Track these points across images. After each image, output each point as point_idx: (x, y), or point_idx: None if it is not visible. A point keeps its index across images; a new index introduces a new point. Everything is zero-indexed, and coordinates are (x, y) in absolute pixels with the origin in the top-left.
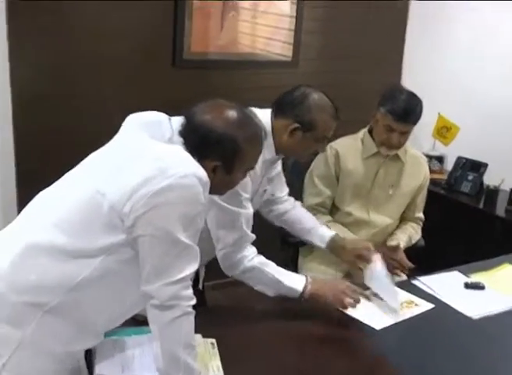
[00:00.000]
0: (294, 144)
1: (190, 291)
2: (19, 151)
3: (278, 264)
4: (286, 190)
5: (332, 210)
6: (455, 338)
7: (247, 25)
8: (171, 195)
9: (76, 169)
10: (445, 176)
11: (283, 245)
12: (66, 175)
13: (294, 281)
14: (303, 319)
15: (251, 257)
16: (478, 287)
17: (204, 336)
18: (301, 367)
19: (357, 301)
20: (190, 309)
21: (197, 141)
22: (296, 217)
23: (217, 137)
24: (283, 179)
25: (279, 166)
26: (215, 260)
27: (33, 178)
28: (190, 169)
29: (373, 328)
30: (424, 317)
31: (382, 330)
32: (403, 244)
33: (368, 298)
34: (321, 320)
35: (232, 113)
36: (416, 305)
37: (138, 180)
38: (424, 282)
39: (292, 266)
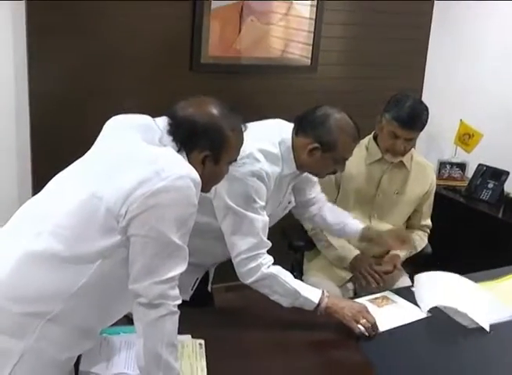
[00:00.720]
0: (313, 163)
1: (177, 291)
2: (35, 151)
3: (284, 268)
4: (317, 190)
5: None
6: (448, 347)
7: (265, 29)
8: (166, 197)
9: (68, 174)
10: (466, 184)
11: (290, 249)
12: (56, 179)
13: (311, 293)
14: (295, 326)
15: (268, 265)
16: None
17: (194, 336)
18: (278, 372)
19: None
20: (176, 309)
21: (184, 135)
22: (325, 219)
23: (203, 127)
24: (313, 180)
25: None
26: (229, 262)
27: (49, 179)
28: (184, 171)
29: (364, 335)
30: (420, 324)
31: (371, 336)
32: (403, 253)
33: None
34: (311, 327)
35: (213, 106)
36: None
37: (133, 182)
38: None
39: (297, 270)
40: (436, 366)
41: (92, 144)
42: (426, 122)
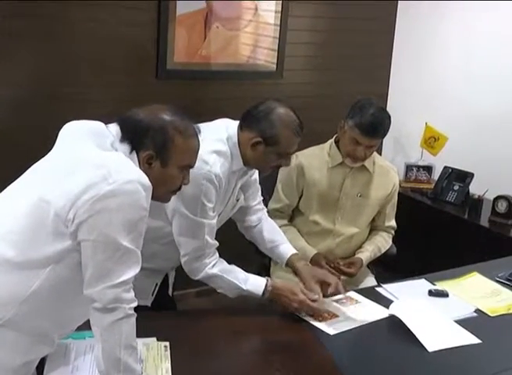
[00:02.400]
0: (256, 158)
1: (132, 294)
2: None
3: (253, 271)
4: (259, 199)
5: (297, 217)
6: (410, 345)
7: (230, 35)
8: (113, 201)
9: (20, 180)
10: (432, 186)
11: (256, 253)
12: (9, 187)
13: (254, 286)
14: (258, 327)
15: (212, 264)
16: (441, 294)
17: (159, 339)
18: (245, 372)
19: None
20: (132, 312)
21: (130, 134)
22: (261, 233)
23: (146, 125)
24: (258, 187)
25: (255, 174)
26: None
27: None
28: (132, 175)
29: (327, 334)
30: (381, 324)
31: (335, 335)
32: (367, 255)
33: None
34: (275, 328)
35: (162, 110)
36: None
37: (81, 186)
38: (388, 289)
39: (264, 274)
40: (398, 365)
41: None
42: (388, 130)
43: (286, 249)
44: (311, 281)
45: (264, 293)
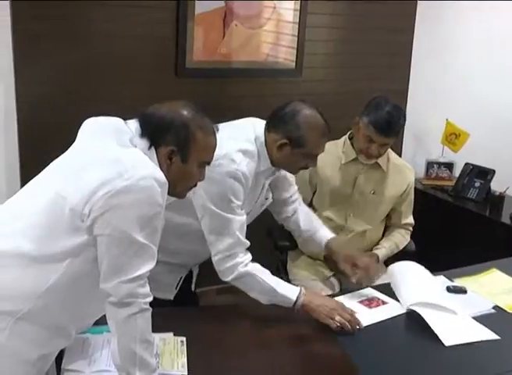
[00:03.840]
0: (283, 159)
1: (147, 289)
2: (23, 152)
3: (269, 268)
4: (293, 191)
5: None
6: (427, 342)
7: (249, 34)
8: (128, 197)
9: (39, 176)
10: (453, 183)
11: (275, 250)
12: (30, 182)
13: (288, 291)
14: (275, 324)
15: (245, 263)
16: (460, 291)
17: (177, 334)
18: (261, 368)
19: (351, 323)
20: (147, 306)
21: (151, 130)
22: (298, 224)
23: (169, 121)
24: (289, 179)
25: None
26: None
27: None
28: (147, 171)
29: (342, 330)
30: (398, 320)
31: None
32: (384, 252)
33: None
34: (291, 324)
35: (183, 106)
36: (384, 302)
37: (97, 182)
38: None
39: (282, 269)
40: (414, 361)
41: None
42: (403, 128)
43: (322, 235)
44: (343, 262)
45: (297, 299)
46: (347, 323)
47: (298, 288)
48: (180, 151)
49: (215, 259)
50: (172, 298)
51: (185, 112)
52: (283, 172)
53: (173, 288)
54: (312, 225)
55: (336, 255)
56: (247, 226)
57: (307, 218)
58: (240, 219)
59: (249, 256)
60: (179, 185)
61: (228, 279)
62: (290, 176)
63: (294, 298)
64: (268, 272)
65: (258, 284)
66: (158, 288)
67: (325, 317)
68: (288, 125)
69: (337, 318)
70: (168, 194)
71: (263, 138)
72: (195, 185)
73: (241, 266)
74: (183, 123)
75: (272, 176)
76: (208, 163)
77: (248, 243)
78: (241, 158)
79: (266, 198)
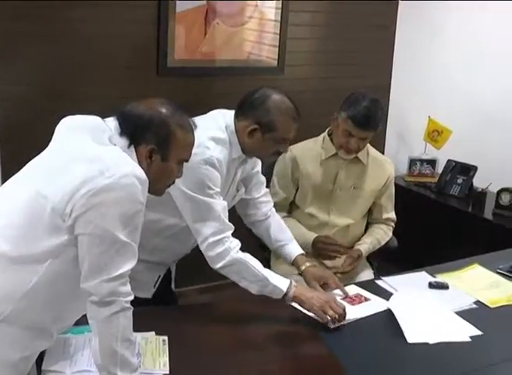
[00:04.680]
0: (254, 145)
1: (128, 288)
2: (4, 152)
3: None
4: (264, 191)
5: (294, 211)
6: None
7: (230, 32)
8: (110, 195)
9: (18, 175)
10: (436, 180)
11: (259, 247)
12: (8, 181)
13: (279, 281)
14: (257, 322)
15: (237, 249)
16: (441, 286)
17: (158, 333)
18: (244, 367)
19: (340, 317)
20: (128, 305)
21: (131, 129)
22: (268, 231)
23: (148, 119)
24: (261, 179)
25: (257, 167)
26: (202, 264)
27: None
28: (128, 169)
29: (327, 326)
30: (379, 317)
31: (335, 328)
32: (366, 248)
33: None
34: (273, 321)
35: (161, 103)
36: (366, 299)
37: (78, 181)
38: (388, 282)
39: (266, 267)
40: (397, 357)
41: None
42: (381, 122)
43: (293, 249)
44: (313, 282)
45: (288, 290)
46: (337, 318)
47: (288, 280)
48: (160, 149)
49: (203, 246)
50: (150, 296)
51: (164, 110)
52: (256, 169)
53: (151, 287)
54: (283, 236)
55: (304, 274)
56: (232, 222)
57: (279, 228)
58: (222, 203)
59: (238, 242)
60: (158, 183)
61: (218, 265)
62: (262, 177)
63: (285, 289)
64: (258, 262)
65: (250, 273)
66: (136, 287)
67: (318, 310)
68: (258, 110)
69: (330, 312)
70: (149, 192)
71: (233, 126)
72: (173, 182)
73: (233, 251)
74: (162, 121)
75: (244, 165)
76: (187, 160)
77: (233, 227)
78: (214, 145)
79: (238, 190)
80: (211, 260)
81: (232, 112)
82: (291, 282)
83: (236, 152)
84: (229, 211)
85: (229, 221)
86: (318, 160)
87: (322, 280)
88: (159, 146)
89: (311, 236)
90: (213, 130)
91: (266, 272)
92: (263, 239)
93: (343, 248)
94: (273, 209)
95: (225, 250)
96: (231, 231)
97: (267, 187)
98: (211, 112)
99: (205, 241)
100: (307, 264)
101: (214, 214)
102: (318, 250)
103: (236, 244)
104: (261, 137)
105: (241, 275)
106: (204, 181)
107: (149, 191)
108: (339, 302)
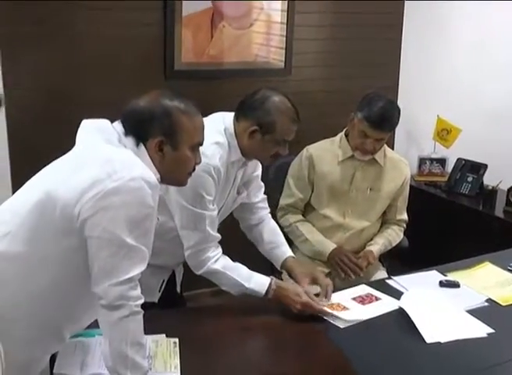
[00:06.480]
0: (254, 147)
1: (138, 291)
2: (13, 155)
3: (262, 267)
4: (261, 197)
5: (309, 212)
6: (417, 338)
7: (237, 35)
8: (117, 198)
9: (33, 178)
10: (446, 179)
11: None
12: (25, 185)
13: (257, 285)
14: (267, 324)
15: (215, 259)
16: (452, 285)
17: (169, 335)
18: (255, 369)
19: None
20: (138, 309)
21: (134, 126)
22: (261, 234)
23: (149, 112)
24: (261, 184)
25: (257, 171)
26: None
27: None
28: (137, 172)
29: (337, 326)
30: (392, 315)
31: (345, 328)
32: (377, 248)
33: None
34: (281, 323)
35: (160, 94)
36: (377, 299)
37: (87, 182)
38: (399, 281)
39: (275, 268)
40: (409, 356)
41: (66, 148)
42: (397, 123)
43: (284, 251)
44: (303, 278)
45: (267, 292)
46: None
47: (268, 281)
48: (169, 140)
49: (186, 254)
50: (155, 300)
51: (163, 100)
52: (256, 173)
53: (156, 291)
54: (275, 239)
55: (294, 271)
56: (237, 227)
57: (273, 232)
58: (211, 215)
59: (219, 251)
60: (177, 173)
61: (199, 272)
62: (261, 183)
63: (263, 292)
64: (238, 266)
65: (228, 281)
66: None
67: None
68: (258, 111)
69: (298, 306)
70: (170, 184)
71: (232, 129)
72: (194, 169)
73: (211, 262)
74: (164, 111)
75: (244, 168)
76: (201, 144)
77: (219, 236)
78: (212, 151)
79: (238, 193)
80: (192, 267)
81: (232, 114)
82: (270, 283)
83: (235, 155)
84: (229, 215)
85: (230, 224)
86: (334, 161)
87: (315, 280)
88: (167, 136)
89: (330, 246)
90: (211, 135)
91: (245, 277)
92: (256, 244)
93: (361, 268)
94: (269, 215)
95: (203, 260)
96: (215, 242)
97: (265, 193)
98: (212, 115)
99: (187, 249)
100: (297, 265)
101: (200, 225)
102: (335, 263)
103: (216, 253)
104: (261, 139)
105: (219, 281)
106: (197, 190)
107: (172, 183)
108: (310, 294)
